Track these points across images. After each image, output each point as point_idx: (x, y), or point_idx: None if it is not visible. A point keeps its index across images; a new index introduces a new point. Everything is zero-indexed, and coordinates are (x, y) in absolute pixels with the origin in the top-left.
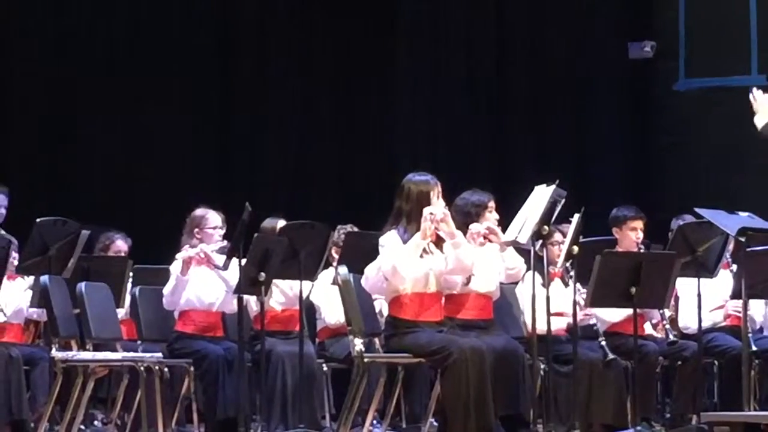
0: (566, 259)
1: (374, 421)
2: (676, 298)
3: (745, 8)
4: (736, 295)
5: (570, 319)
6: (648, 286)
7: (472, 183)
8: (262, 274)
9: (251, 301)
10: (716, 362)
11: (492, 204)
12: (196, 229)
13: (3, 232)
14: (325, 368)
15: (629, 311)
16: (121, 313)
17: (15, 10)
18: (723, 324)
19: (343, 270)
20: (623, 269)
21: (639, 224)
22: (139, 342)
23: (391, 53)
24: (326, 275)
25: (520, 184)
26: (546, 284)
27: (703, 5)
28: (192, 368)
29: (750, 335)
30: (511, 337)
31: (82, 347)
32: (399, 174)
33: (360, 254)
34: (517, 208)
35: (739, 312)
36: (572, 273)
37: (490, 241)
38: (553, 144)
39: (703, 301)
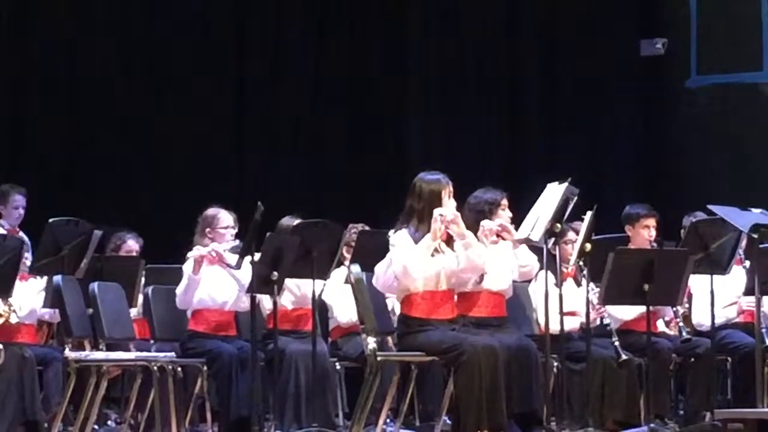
0: (579, 257)
1: (388, 420)
2: (689, 295)
3: (757, 4)
4: (749, 291)
5: (583, 318)
6: (661, 284)
7: (484, 181)
8: (275, 273)
9: (264, 300)
10: (729, 359)
11: (505, 202)
12: (208, 229)
13: (21, 233)
14: (338, 367)
15: (642, 309)
16: (134, 312)
17: (32, 11)
18: (736, 320)
19: (356, 269)
20: (636, 266)
21: (652, 222)
22: (152, 341)
23: (402, 52)
24: (338, 274)
25: (532, 181)
26: (559, 282)
27: (715, 2)
28: (205, 367)
29: (763, 331)
30: (524, 335)
31: (95, 347)
32: (411, 172)
33: (372, 253)
34: (529, 206)
35: (753, 308)
36: (585, 271)
37: (503, 238)
38: (565, 141)
39: (716, 297)
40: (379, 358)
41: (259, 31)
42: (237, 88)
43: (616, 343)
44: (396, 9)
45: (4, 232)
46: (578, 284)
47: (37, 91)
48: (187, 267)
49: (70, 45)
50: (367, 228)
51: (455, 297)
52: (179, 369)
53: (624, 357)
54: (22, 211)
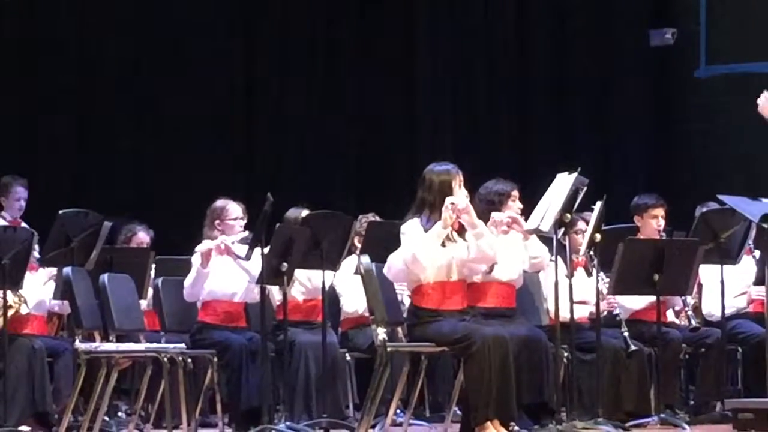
0: (589, 247)
1: (398, 411)
2: (699, 285)
3: None
4: (759, 281)
5: (593, 308)
6: (671, 273)
7: (494, 172)
8: (285, 264)
9: (274, 291)
10: (740, 349)
11: (515, 193)
12: (217, 221)
13: (24, 224)
14: (348, 358)
15: (652, 298)
16: (144, 304)
17: (40, 12)
18: (746, 310)
19: (366, 259)
20: (646, 256)
21: (660, 212)
22: (162, 333)
23: (412, 48)
24: (350, 263)
25: (542, 172)
26: (569, 273)
27: None
28: (215, 359)
29: None
30: (534, 325)
31: (105, 338)
32: (421, 163)
33: (382, 243)
34: (539, 196)
35: (763, 298)
36: (595, 261)
37: (513, 229)
38: (575, 132)
39: (727, 287)
40: (389, 349)
41: (269, 29)
42: (247, 76)
43: (626, 334)
44: (404, 2)
45: (6, 223)
46: (589, 274)
47: (45, 87)
48: (196, 260)
49: (76, 44)
50: (377, 218)
51: (466, 287)
52: (189, 360)
53: (633, 348)
54: (23, 203)
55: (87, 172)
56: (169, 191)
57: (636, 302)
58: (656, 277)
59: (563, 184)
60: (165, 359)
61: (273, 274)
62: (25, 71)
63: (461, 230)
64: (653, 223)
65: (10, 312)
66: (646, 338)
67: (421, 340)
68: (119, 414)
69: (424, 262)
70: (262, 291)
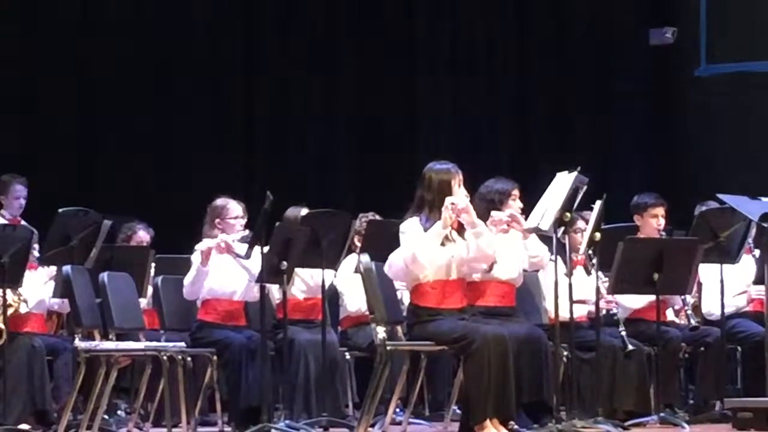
0: (588, 246)
1: (397, 409)
2: (699, 285)
3: None
4: (758, 280)
5: (592, 307)
6: (670, 273)
7: (494, 172)
8: (284, 262)
9: (273, 290)
10: (739, 348)
11: (516, 192)
12: (217, 220)
13: (24, 222)
14: (347, 357)
15: (652, 298)
16: (144, 302)
17: (40, 12)
18: (746, 309)
19: (365, 258)
20: (646, 256)
21: (660, 211)
22: (161, 331)
23: (411, 48)
24: (350, 262)
25: (542, 171)
26: (569, 272)
27: None
28: (215, 357)
29: None
30: (533, 324)
31: (104, 337)
32: (421, 163)
33: (382, 242)
34: (539, 195)
35: (762, 297)
36: (594, 260)
37: (512, 228)
38: (575, 131)
39: (726, 286)
40: (388, 348)
41: (269, 29)
42: (247, 75)
43: (623, 333)
44: (404, 3)
45: (5, 222)
46: (588, 273)
47: (47, 85)
48: (195, 258)
49: (77, 44)
50: (377, 217)
51: (465, 286)
52: (189, 359)
53: (630, 347)
54: (23, 201)
55: (87, 172)
56: (169, 191)
57: (636, 301)
58: (656, 276)
59: (563, 183)
60: (164, 358)
61: (273, 272)
62: (25, 71)
63: (461, 229)
64: (653, 222)
65: (10, 311)
66: (645, 337)
67: (420, 338)
68: (119, 412)
69: (423, 262)
70: (262, 289)
